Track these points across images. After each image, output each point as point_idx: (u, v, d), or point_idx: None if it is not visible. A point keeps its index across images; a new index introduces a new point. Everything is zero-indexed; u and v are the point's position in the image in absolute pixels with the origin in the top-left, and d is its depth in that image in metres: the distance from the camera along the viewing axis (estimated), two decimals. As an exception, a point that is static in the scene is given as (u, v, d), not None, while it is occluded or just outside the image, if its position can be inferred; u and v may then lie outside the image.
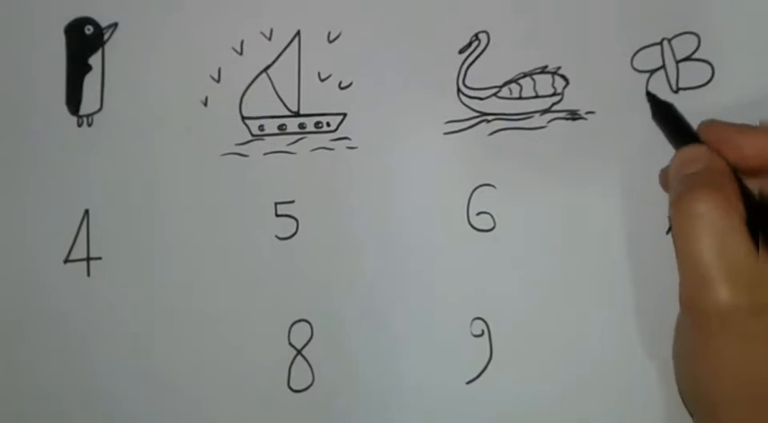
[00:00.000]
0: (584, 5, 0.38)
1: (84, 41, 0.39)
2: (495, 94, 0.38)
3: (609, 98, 0.38)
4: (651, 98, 0.36)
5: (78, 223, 0.38)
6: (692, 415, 0.33)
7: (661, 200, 0.36)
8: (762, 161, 0.32)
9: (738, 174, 0.32)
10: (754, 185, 0.33)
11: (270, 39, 0.39)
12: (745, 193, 0.32)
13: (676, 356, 0.33)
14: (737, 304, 0.30)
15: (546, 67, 0.38)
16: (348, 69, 0.39)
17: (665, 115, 0.35)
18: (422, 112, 0.38)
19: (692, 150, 0.33)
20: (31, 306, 0.38)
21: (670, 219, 0.32)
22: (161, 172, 0.38)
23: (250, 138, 0.38)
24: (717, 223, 0.30)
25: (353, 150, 0.38)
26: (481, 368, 0.37)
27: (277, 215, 0.38)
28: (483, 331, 0.37)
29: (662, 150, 0.36)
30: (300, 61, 0.39)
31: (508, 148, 0.38)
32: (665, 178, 0.36)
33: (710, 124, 0.34)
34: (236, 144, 0.38)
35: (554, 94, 0.38)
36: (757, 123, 0.33)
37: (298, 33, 0.39)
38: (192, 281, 0.38)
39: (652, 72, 0.38)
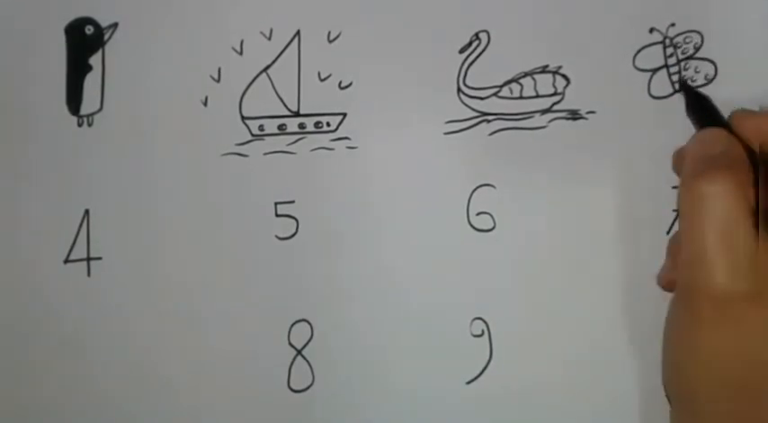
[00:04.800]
0: (585, 4, 0.38)
1: (84, 41, 0.39)
2: (495, 94, 0.38)
3: (610, 98, 0.38)
4: (686, 89, 0.35)
5: (78, 223, 0.38)
6: (670, 403, 0.33)
7: (661, 200, 0.36)
8: None
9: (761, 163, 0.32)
10: None
11: (270, 39, 0.39)
12: (764, 183, 0.31)
13: (665, 340, 0.33)
14: (735, 290, 0.29)
15: (547, 66, 0.38)
16: (348, 69, 0.38)
17: (699, 107, 0.34)
18: (422, 111, 0.38)
19: (712, 132, 0.33)
20: (31, 306, 0.38)
21: (678, 201, 0.32)
22: (161, 172, 0.38)
23: (250, 138, 0.38)
24: (724, 207, 0.30)
25: (353, 150, 0.38)
26: (481, 368, 0.37)
27: (277, 215, 0.38)
28: (483, 331, 0.37)
29: (663, 150, 0.36)
30: (300, 61, 0.39)
31: (508, 148, 0.38)
32: (677, 160, 0.35)
33: (743, 113, 0.33)
34: (236, 144, 0.38)
35: (555, 94, 0.38)
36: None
37: (298, 33, 0.39)
38: (192, 281, 0.38)
39: (654, 71, 0.38)
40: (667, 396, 0.33)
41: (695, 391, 0.31)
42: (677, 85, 0.38)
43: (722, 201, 0.30)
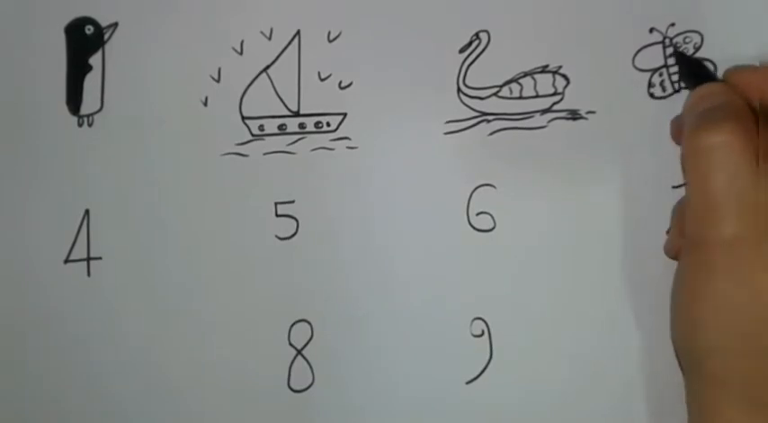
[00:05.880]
0: (585, 4, 0.38)
1: (84, 41, 0.39)
2: (495, 94, 0.38)
3: (610, 98, 0.38)
4: (678, 56, 0.36)
5: (78, 223, 0.38)
6: (683, 370, 0.32)
7: (661, 200, 0.36)
8: None
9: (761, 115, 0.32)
10: None
11: (270, 39, 0.39)
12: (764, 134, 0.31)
13: (675, 301, 0.32)
14: (743, 236, 0.29)
15: (546, 66, 0.38)
16: (348, 69, 0.38)
17: (694, 70, 0.35)
18: (422, 112, 0.38)
19: (710, 86, 0.33)
20: (31, 306, 0.38)
21: (682, 157, 0.32)
22: (161, 172, 0.38)
23: (250, 138, 0.38)
24: (730, 157, 0.30)
25: (353, 150, 0.38)
26: (481, 368, 0.37)
27: (277, 215, 0.38)
28: (483, 331, 0.37)
29: (663, 150, 0.36)
30: (300, 61, 0.39)
31: (508, 148, 0.38)
32: (675, 128, 0.35)
33: (736, 69, 0.33)
34: (236, 144, 0.38)
35: (555, 94, 0.38)
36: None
37: (298, 33, 0.39)
38: (192, 281, 0.38)
39: (653, 71, 0.38)
40: (680, 364, 0.32)
41: (710, 348, 0.30)
42: (676, 85, 0.37)
43: (728, 150, 0.30)
